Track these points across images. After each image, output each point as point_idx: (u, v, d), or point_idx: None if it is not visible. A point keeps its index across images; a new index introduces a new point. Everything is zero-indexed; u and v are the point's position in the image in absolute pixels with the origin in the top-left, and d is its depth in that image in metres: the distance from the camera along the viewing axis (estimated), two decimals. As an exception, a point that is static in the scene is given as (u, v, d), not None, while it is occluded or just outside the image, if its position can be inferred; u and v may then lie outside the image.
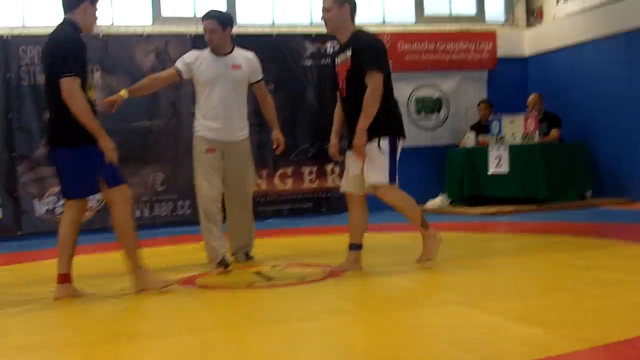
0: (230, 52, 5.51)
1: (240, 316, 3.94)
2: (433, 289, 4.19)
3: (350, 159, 5.06)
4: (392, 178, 4.93)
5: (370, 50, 4.80)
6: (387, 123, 4.86)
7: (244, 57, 5.59)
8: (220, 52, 5.46)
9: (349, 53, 4.84)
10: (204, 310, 4.07)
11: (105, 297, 4.62)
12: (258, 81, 5.67)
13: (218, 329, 3.58)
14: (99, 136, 4.46)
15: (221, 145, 5.48)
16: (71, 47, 4.39)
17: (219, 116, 5.44)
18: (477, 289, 4.25)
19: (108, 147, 4.48)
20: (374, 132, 4.80)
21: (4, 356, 3.23)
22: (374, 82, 4.73)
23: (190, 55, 5.52)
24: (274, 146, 5.83)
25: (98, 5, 4.60)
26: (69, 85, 4.31)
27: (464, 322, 3.40)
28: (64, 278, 4.62)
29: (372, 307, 3.87)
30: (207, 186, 5.52)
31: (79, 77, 4.34)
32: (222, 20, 5.51)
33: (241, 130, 5.58)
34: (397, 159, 4.94)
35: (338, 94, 5.09)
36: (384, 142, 4.84)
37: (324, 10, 4.95)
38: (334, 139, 5.31)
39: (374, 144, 4.84)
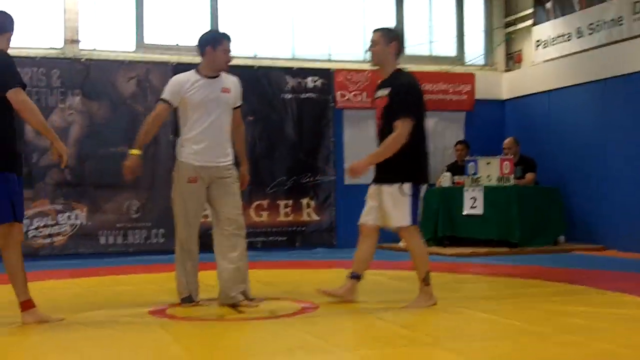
0: (219, 75, 5.32)
1: (209, 349, 3.93)
2: (404, 329, 4.19)
3: (371, 191, 5.26)
4: (413, 220, 5.10)
5: (406, 96, 4.95)
6: (412, 169, 5.05)
7: (231, 81, 5.40)
8: (214, 73, 5.26)
9: (386, 91, 5.01)
10: (173, 341, 4.04)
11: (75, 323, 4.57)
12: (238, 107, 5.45)
13: (186, 362, 3.56)
14: (54, 140, 4.55)
15: (208, 172, 5.20)
16: (9, 62, 4.54)
17: (209, 139, 5.18)
18: (447, 330, 4.26)
19: (64, 150, 4.56)
20: (398, 176, 5.00)
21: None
22: (401, 129, 4.90)
23: (176, 82, 5.25)
24: (239, 180, 5.46)
25: (12, 35, 4.83)
26: (21, 97, 4.40)
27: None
28: (28, 304, 4.55)
29: (342, 345, 3.87)
30: (187, 226, 5.32)
31: (24, 88, 4.40)
32: None
33: (228, 156, 5.31)
34: (419, 201, 5.13)
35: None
36: (407, 186, 5.01)
37: (372, 42, 5.12)
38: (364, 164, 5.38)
39: (396, 186, 5.00)
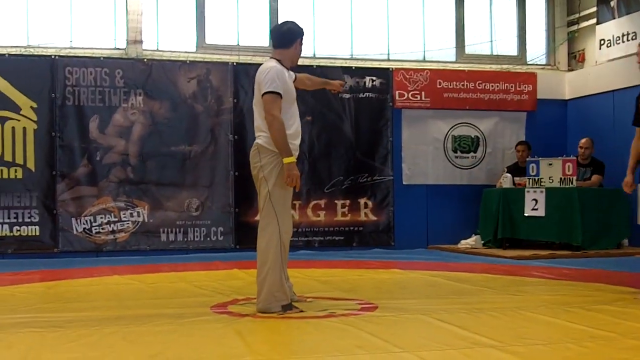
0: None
1: (271, 345, 3.96)
2: (465, 331, 4.16)
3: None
4: None
5: None
6: None
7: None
8: (289, 67, 5.10)
9: None
10: (236, 337, 4.08)
11: (140, 317, 4.65)
12: None
13: (249, 357, 3.59)
14: None
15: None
16: None
17: (299, 133, 5.10)
18: (509, 333, 4.22)
19: None
20: None
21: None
22: None
23: (281, 73, 4.94)
24: None
25: None
26: None
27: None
28: None
29: (402, 345, 3.85)
30: (289, 219, 5.06)
31: None
32: None
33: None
34: None
35: (639, 130, 5.29)
36: None
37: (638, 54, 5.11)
38: (629, 176, 5.36)
39: None
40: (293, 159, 4.88)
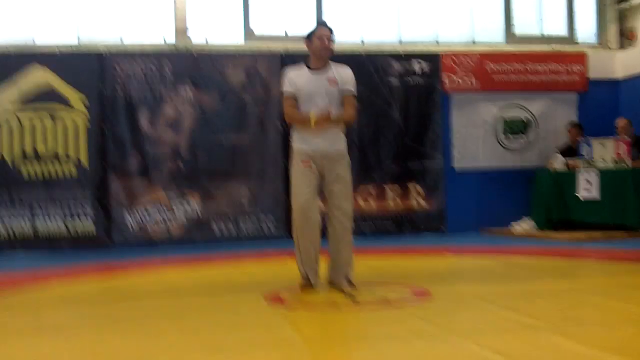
0: (326, 66, 5.42)
1: (326, 333, 3.98)
2: (519, 315, 4.12)
3: None
4: None
5: None
6: None
7: (340, 70, 5.42)
8: (320, 64, 5.38)
9: None
10: (289, 327, 4.11)
11: (196, 308, 4.71)
12: (348, 95, 5.39)
13: (303, 346, 3.61)
14: None
15: (317, 158, 5.34)
16: None
17: (317, 131, 5.32)
18: (564, 316, 4.17)
19: None
20: None
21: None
22: None
23: (289, 76, 5.42)
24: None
25: None
26: None
27: (549, 350, 3.35)
28: None
29: (458, 331, 3.83)
30: (303, 192, 5.31)
31: None
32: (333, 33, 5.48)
33: (336, 144, 5.40)
34: None
35: None
36: None
37: None
38: None
39: None
40: (313, 115, 5.22)
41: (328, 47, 5.33)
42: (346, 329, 4.06)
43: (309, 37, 5.37)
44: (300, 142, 5.38)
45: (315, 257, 5.40)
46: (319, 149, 5.32)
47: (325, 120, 5.23)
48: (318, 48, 5.33)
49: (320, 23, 5.45)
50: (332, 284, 5.42)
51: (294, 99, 5.36)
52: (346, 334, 3.91)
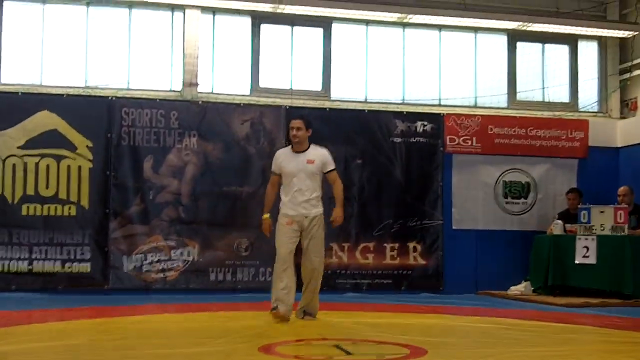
0: (307, 149, 6.76)
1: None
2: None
3: None
4: None
5: None
6: None
7: (317, 153, 6.81)
8: (299, 149, 6.73)
9: None
10: (284, 379, 4.11)
11: (191, 355, 4.70)
12: (329, 171, 6.86)
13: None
14: None
15: (297, 219, 6.68)
16: None
17: (297, 200, 6.69)
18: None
19: None
20: None
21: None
22: None
23: (277, 157, 6.90)
24: (331, 219, 6.83)
25: None
26: None
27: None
28: None
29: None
30: (285, 245, 6.70)
31: None
32: (307, 122, 6.80)
33: (313, 210, 6.72)
34: None
35: None
36: None
37: None
38: None
39: None
40: (265, 215, 6.88)
41: (296, 135, 6.72)
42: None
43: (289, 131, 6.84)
44: (285, 208, 6.76)
45: (288, 294, 6.60)
46: (299, 214, 6.68)
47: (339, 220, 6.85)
48: (290, 137, 6.80)
49: (293, 117, 7.06)
50: (297, 314, 6.81)
51: (276, 177, 6.83)
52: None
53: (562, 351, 5.08)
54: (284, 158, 6.84)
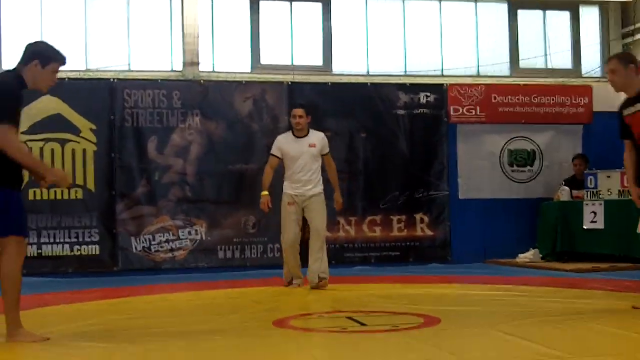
0: (307, 134, 7.35)
1: (337, 359, 3.98)
2: (533, 343, 4.11)
3: None
4: None
5: None
6: None
7: (317, 137, 7.40)
8: (301, 134, 7.32)
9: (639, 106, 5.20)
10: (300, 352, 4.11)
11: (204, 332, 4.71)
12: (325, 154, 7.47)
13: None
14: (44, 170, 4.51)
15: (301, 199, 7.30)
16: (7, 96, 4.40)
17: (300, 180, 7.29)
18: (577, 345, 4.18)
19: (59, 175, 4.57)
20: None
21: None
22: None
23: (278, 141, 7.48)
24: (334, 205, 7.59)
25: (52, 68, 4.64)
26: (2, 135, 4.26)
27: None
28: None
29: (469, 358, 3.84)
30: (290, 229, 7.33)
31: (7, 124, 4.30)
32: (308, 110, 7.41)
33: (314, 189, 7.32)
34: None
35: (629, 143, 5.44)
36: None
37: (610, 71, 5.35)
38: (636, 189, 5.43)
39: None
40: (264, 192, 7.38)
41: (299, 122, 7.30)
42: (359, 356, 4.05)
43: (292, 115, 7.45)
44: (287, 188, 7.37)
45: (297, 268, 7.42)
46: (300, 193, 7.30)
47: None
48: (292, 124, 7.38)
49: (294, 105, 7.73)
50: (312, 284, 7.21)
51: (276, 159, 7.44)
52: (359, 359, 3.89)
53: (574, 317, 5.07)
54: (286, 143, 7.42)
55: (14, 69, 4.65)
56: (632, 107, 5.30)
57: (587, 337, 4.42)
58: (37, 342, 4.36)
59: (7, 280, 4.42)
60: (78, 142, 9.23)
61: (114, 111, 9.33)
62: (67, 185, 4.61)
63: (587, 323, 4.84)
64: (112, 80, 9.40)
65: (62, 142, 9.18)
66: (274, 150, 7.49)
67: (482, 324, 4.87)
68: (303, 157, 7.32)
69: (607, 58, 10.97)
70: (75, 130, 9.24)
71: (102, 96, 9.32)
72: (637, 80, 5.32)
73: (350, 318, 5.21)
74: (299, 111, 7.38)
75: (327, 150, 7.51)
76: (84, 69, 9.60)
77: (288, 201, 7.33)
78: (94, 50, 9.72)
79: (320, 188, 7.40)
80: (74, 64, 9.56)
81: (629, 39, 11.03)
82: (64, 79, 9.22)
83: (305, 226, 7.48)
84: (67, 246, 9.17)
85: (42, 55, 4.65)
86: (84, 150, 9.25)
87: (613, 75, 5.36)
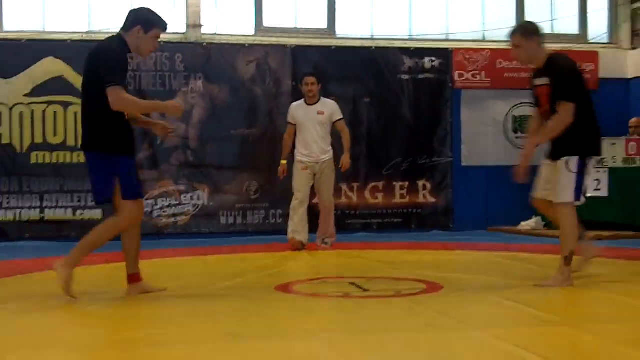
0: (317, 102, 7.72)
1: (340, 324, 3.98)
2: (532, 309, 4.11)
3: (545, 167, 5.37)
4: (576, 196, 5.04)
5: (567, 81, 5.03)
6: (579, 143, 5.04)
7: (327, 104, 7.76)
8: (312, 101, 7.70)
9: (546, 79, 5.09)
10: (305, 316, 4.11)
11: (208, 296, 4.72)
12: (337, 120, 7.80)
13: (320, 335, 3.59)
14: (163, 108, 4.98)
15: (311, 164, 7.71)
16: (117, 60, 4.53)
17: (309, 147, 7.68)
18: (577, 311, 4.18)
19: (175, 107, 4.84)
20: (563, 151, 5.04)
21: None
22: (563, 113, 4.97)
23: (291, 109, 7.89)
24: (340, 165, 7.81)
25: (154, 34, 4.72)
26: (118, 95, 4.42)
27: (566, 343, 3.35)
28: (133, 278, 4.88)
29: (473, 323, 3.83)
30: (302, 189, 7.78)
31: (120, 86, 4.45)
32: (319, 78, 7.79)
33: (324, 155, 7.71)
34: (584, 178, 5.07)
35: (537, 110, 5.30)
36: (573, 162, 4.99)
37: (514, 46, 5.20)
38: (529, 147, 5.36)
39: (562, 162, 5.02)
40: (283, 161, 7.88)
41: (311, 90, 7.67)
42: (362, 320, 4.05)
43: (301, 83, 7.85)
44: (300, 155, 7.75)
45: (304, 225, 7.73)
46: (313, 159, 7.69)
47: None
48: (304, 92, 7.74)
49: (306, 74, 7.99)
50: (318, 245, 7.77)
51: (292, 126, 7.80)
52: (363, 324, 3.90)
53: (577, 281, 5.07)
54: (298, 110, 7.79)
55: (117, 34, 4.73)
56: (541, 79, 5.16)
57: (588, 304, 4.43)
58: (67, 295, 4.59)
59: (101, 228, 4.88)
60: (80, 105, 9.15)
61: (116, 74, 9.24)
62: (182, 112, 4.80)
63: (588, 290, 4.84)
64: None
65: (65, 105, 9.14)
66: (289, 118, 7.90)
67: (484, 291, 4.87)
68: (312, 124, 7.69)
69: (614, 24, 10.97)
70: (78, 93, 9.11)
71: (104, 59, 9.23)
72: (541, 50, 5.17)
73: (353, 284, 5.21)
74: (310, 79, 7.70)
75: (338, 117, 7.81)
76: (86, 30, 9.51)
77: (302, 166, 7.74)
78: (96, 11, 9.63)
79: (330, 155, 7.77)
80: (77, 26, 9.51)
81: (637, 4, 10.91)
82: (67, 40, 9.18)
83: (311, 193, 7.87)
84: (69, 210, 9.16)
85: (145, 21, 4.75)
86: (86, 113, 9.18)
87: (517, 50, 5.19)
